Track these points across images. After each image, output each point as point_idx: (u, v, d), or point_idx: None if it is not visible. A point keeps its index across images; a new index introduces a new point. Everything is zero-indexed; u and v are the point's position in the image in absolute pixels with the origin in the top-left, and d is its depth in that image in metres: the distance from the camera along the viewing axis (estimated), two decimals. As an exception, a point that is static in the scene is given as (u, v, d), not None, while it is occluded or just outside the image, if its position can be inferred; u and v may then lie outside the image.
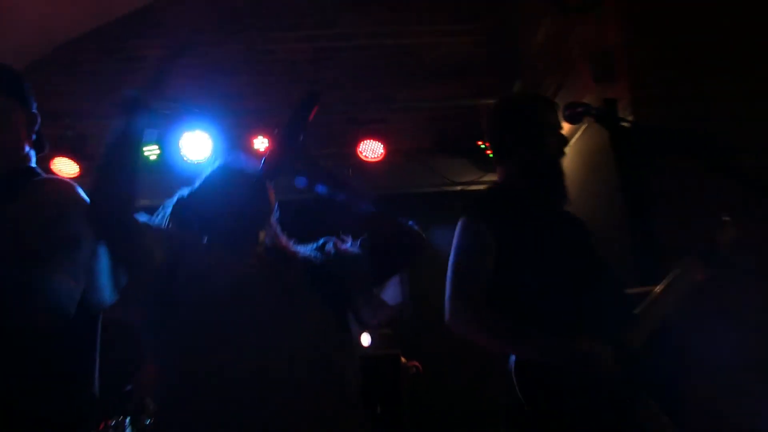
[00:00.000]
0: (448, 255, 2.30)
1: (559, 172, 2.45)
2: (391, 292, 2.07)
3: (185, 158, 4.98)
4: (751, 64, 3.69)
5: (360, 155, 5.40)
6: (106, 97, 5.45)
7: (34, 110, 2.13)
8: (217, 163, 2.09)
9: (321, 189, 1.87)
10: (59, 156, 5.02)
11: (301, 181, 1.86)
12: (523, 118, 2.47)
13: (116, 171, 1.72)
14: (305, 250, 2.07)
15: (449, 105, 5.73)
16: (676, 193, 3.41)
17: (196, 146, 5.02)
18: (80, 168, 5.12)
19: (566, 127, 4.75)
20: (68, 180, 2.08)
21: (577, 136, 4.71)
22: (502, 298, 2.21)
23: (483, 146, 5.43)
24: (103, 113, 5.27)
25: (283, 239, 2.09)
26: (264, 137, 5.30)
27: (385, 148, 5.43)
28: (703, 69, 3.69)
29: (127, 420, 3.87)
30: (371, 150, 5.41)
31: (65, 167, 5.04)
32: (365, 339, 5.36)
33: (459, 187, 5.65)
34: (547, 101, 2.63)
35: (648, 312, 2.23)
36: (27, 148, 2.10)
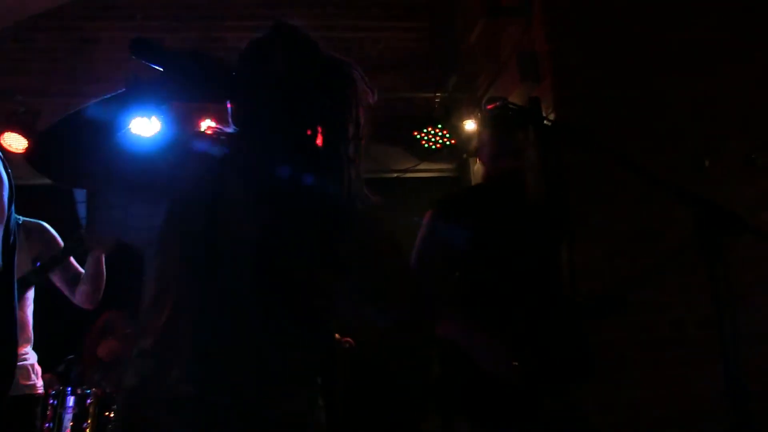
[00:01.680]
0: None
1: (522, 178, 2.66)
2: None
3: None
4: (665, 71, 4.06)
5: (303, 140, 5.61)
6: (59, 76, 5.55)
7: None
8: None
9: None
10: (9, 131, 5.07)
11: None
12: (513, 130, 2.62)
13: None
14: None
15: (389, 97, 5.93)
16: (589, 186, 3.75)
17: (145, 126, 5.16)
18: (29, 143, 5.18)
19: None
20: None
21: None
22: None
23: (418, 136, 5.70)
24: (55, 91, 5.38)
25: None
26: (211, 119, 5.49)
27: (327, 134, 5.65)
28: (621, 74, 4.03)
29: (69, 389, 3.80)
30: (314, 136, 5.65)
31: (14, 142, 5.07)
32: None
33: (395, 174, 5.87)
34: (531, 112, 2.76)
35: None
36: None
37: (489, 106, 2.19)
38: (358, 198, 1.57)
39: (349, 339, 5.63)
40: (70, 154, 1.41)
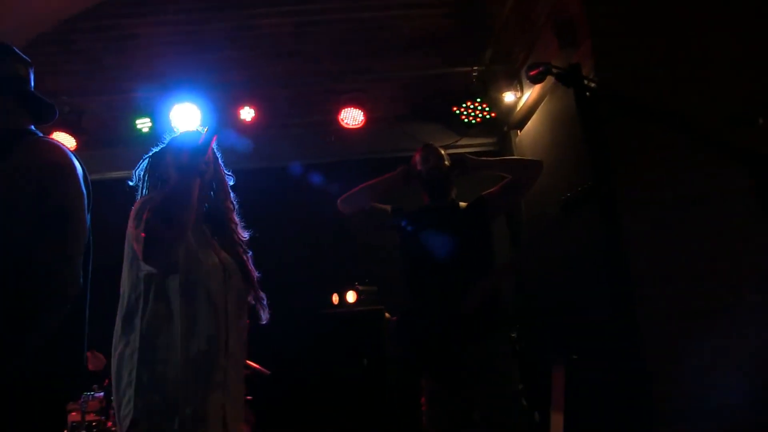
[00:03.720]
0: None
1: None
2: None
3: (176, 130, 5.19)
4: (709, 26, 3.91)
5: (341, 122, 5.65)
6: (100, 75, 5.66)
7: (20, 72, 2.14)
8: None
9: None
10: (57, 131, 5.20)
11: None
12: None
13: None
14: None
15: (424, 74, 5.94)
16: (633, 153, 3.67)
17: (186, 118, 5.25)
18: (77, 142, 5.35)
19: (536, 91, 5.09)
20: (59, 144, 2.08)
21: (546, 99, 5.01)
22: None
23: (457, 112, 5.69)
24: (97, 90, 5.49)
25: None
26: (250, 108, 5.56)
27: (365, 115, 5.67)
28: (662, 33, 3.90)
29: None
30: (352, 117, 5.67)
31: (63, 141, 5.20)
32: (351, 296, 5.56)
33: (436, 151, 5.78)
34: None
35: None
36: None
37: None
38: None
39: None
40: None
